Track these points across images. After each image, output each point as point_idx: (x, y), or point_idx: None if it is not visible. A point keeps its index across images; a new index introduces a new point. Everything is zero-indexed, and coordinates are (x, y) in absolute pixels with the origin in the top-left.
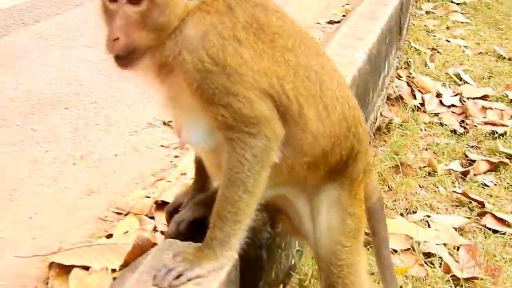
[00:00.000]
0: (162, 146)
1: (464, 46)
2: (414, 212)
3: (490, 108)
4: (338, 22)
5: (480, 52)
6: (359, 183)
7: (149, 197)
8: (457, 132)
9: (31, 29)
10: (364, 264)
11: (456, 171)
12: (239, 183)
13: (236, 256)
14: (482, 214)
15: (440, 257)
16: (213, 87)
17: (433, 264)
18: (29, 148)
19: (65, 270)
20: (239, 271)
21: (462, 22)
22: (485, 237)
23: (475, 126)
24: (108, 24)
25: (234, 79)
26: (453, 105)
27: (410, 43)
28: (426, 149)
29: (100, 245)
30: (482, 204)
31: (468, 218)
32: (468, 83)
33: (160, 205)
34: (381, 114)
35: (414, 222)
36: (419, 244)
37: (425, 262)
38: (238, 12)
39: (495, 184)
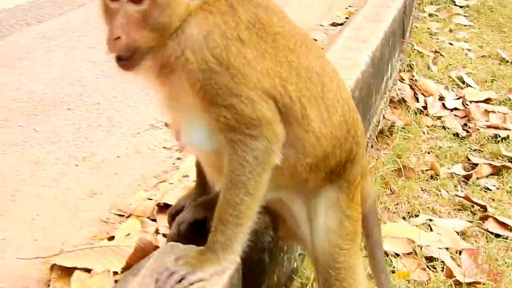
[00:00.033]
0: (164, 148)
1: (467, 49)
2: (416, 216)
3: (493, 112)
4: (341, 24)
5: (483, 55)
6: (356, 186)
7: (151, 199)
8: (460, 136)
9: (34, 29)
10: (361, 266)
11: (459, 175)
12: (240, 186)
13: (238, 260)
14: (484, 218)
15: (442, 261)
16: (216, 87)
17: (435, 269)
18: (31, 149)
19: (66, 272)
20: (241, 274)
21: (465, 25)
22: (487, 241)
23: (478, 129)
24: (108, 24)
25: (238, 79)
26: (455, 108)
27: (413, 45)
28: (429, 152)
29: (102, 247)
30: (484, 208)
31: (470, 222)
32: (471, 86)
33: (162, 207)
34: (383, 117)
35: (416, 225)
36: (421, 248)
37: (427, 266)
38: (240, 12)
39: (498, 188)
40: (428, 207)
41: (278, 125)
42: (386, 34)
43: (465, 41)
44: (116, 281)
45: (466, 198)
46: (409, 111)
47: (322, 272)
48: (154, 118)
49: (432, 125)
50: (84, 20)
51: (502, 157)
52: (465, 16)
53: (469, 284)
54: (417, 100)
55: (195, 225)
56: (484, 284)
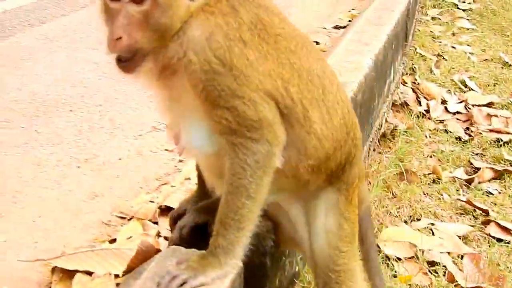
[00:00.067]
0: (166, 150)
1: (470, 53)
2: (418, 220)
3: (495, 116)
4: (344, 27)
5: (486, 59)
6: (354, 188)
7: (153, 201)
8: (462, 139)
9: (36, 30)
10: (360, 269)
11: (461, 179)
12: (242, 189)
13: (240, 264)
14: (486, 223)
15: (444, 266)
16: (219, 88)
17: (437, 273)
18: (33, 151)
19: (68, 275)
20: (243, 278)
21: (468, 29)
22: (489, 246)
23: (480, 133)
24: (109, 24)
25: (241, 81)
26: (458, 112)
27: (415, 49)
28: (431, 156)
29: (104, 250)
30: (486, 212)
31: (472, 226)
32: (474, 90)
33: (164, 210)
34: (386, 121)
35: (418, 229)
36: (423, 252)
37: (429, 271)
38: (242, 13)
39: (500, 192)
40: (430, 211)
41: (279, 127)
42: (389, 37)
43: (468, 45)
44: (117, 284)
45: (468, 202)
46: (411, 115)
47: (322, 276)
48: (156, 120)
49: (435, 129)
50: (86, 21)
51: (504, 161)
52: (468, 19)
53: None
54: (419, 103)
55: (197, 229)
56: None
